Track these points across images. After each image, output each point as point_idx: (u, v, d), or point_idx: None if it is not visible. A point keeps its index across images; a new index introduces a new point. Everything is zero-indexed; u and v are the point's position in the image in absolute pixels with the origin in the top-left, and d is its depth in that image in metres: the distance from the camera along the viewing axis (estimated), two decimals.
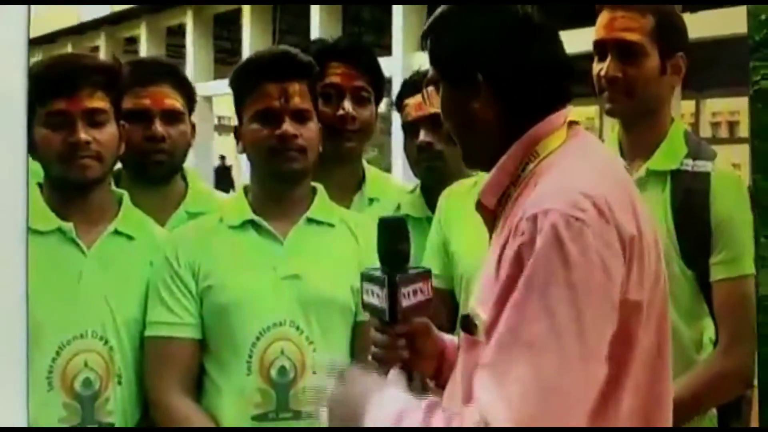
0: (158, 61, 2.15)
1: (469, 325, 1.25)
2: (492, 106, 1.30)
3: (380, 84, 2.11)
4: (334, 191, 1.87)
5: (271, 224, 1.77)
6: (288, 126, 1.73)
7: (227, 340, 1.72)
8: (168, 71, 2.03)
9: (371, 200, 2.11)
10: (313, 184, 1.83)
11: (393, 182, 2.28)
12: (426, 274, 1.38)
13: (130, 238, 1.79)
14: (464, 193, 1.95)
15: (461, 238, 1.93)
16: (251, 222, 1.78)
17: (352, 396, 1.25)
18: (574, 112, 1.37)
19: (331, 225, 1.82)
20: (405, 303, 1.34)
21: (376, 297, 1.34)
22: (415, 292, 1.36)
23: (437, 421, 1.14)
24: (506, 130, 1.30)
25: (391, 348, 1.38)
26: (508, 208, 1.29)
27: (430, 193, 2.10)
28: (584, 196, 1.17)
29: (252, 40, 10.97)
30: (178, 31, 12.81)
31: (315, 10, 9.80)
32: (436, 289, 1.72)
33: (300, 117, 1.75)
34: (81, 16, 14.22)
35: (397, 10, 9.29)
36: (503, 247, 1.21)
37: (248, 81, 1.77)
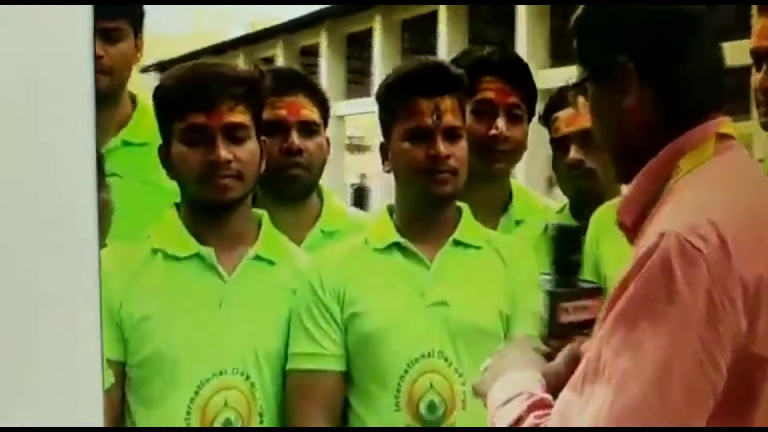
0: (293, 70, 2.07)
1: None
2: (643, 106, 1.18)
3: (534, 100, 2.01)
4: (479, 211, 1.79)
5: (417, 247, 1.69)
6: (440, 146, 1.64)
7: (374, 372, 1.64)
8: (303, 81, 1.95)
9: (518, 222, 2.01)
10: (458, 203, 1.75)
11: (540, 201, 2.16)
12: (595, 292, 1.29)
13: (271, 263, 1.70)
14: (613, 212, 1.75)
15: (614, 260, 1.75)
16: (397, 245, 1.70)
17: (499, 363, 1.25)
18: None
19: (478, 247, 1.72)
20: (563, 318, 1.27)
21: (542, 305, 1.29)
22: (578, 309, 1.28)
23: (527, 423, 1.10)
24: (655, 136, 1.18)
25: (549, 361, 1.27)
26: (645, 224, 1.16)
27: (579, 213, 1.99)
28: (709, 222, 1.04)
29: (382, 60, 11.38)
30: (312, 52, 13.44)
31: (442, 29, 10.11)
32: None
33: (452, 135, 1.67)
34: (217, 35, 14.94)
35: (521, 30, 9.44)
36: (626, 277, 1.09)
37: (398, 96, 1.69)
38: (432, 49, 10.45)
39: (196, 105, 1.61)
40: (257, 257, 1.70)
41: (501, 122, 1.93)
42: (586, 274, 1.81)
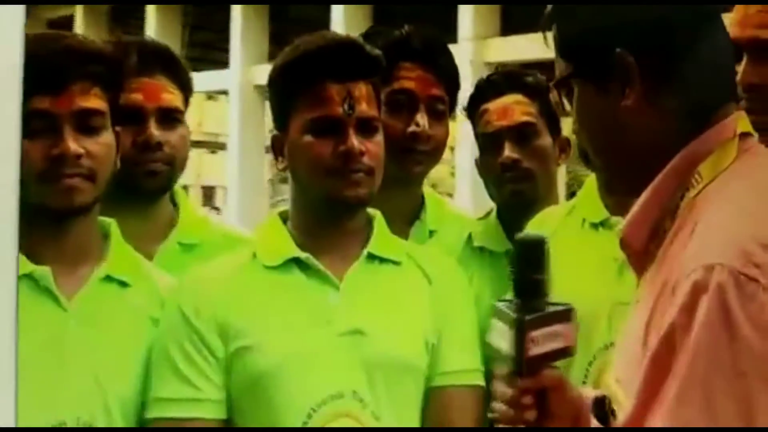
0: (149, 44, 1.86)
1: (603, 410, 1.11)
2: (647, 106, 1.10)
3: (457, 91, 1.91)
4: (388, 220, 1.69)
5: (323, 263, 1.56)
6: (353, 140, 1.52)
7: (266, 420, 1.50)
8: (161, 57, 1.77)
9: (431, 232, 1.92)
10: (368, 210, 1.64)
11: (453, 208, 2.11)
12: (567, 314, 1.19)
13: (124, 285, 1.54)
14: (558, 222, 1.81)
15: (559, 276, 1.74)
16: (296, 261, 1.56)
17: None
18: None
19: (397, 262, 1.62)
20: (534, 350, 1.16)
21: (503, 338, 1.18)
22: (549, 337, 1.17)
23: None
24: (665, 140, 1.11)
25: (515, 406, 1.18)
26: (664, 246, 1.10)
27: (509, 222, 1.93)
28: (761, 246, 0.99)
29: (158, 36, 10.60)
30: (64, 25, 12.30)
31: (236, 4, 9.53)
32: None
33: (367, 128, 1.55)
34: None
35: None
36: (654, 306, 1.04)
37: (300, 78, 1.54)
38: (222, 27, 9.82)
39: (40, 86, 1.42)
40: (107, 278, 1.53)
41: (422, 118, 1.83)
42: None
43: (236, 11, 9.51)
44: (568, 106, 1.22)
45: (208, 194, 19.69)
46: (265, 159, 9.81)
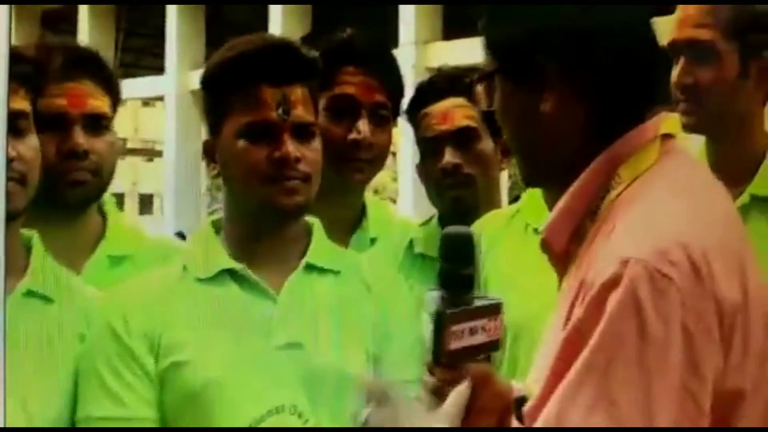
0: (75, 47, 1.79)
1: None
2: (566, 108, 1.14)
3: (401, 98, 1.87)
4: (327, 228, 1.64)
5: (258, 274, 1.51)
6: (289, 146, 1.47)
7: None
8: (88, 61, 1.71)
9: (373, 240, 1.88)
10: (306, 218, 1.59)
11: (395, 214, 2.11)
12: (495, 309, 1.20)
13: (47, 300, 1.49)
14: (502, 226, 1.81)
15: (502, 282, 1.73)
16: (230, 272, 1.50)
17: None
18: None
19: (337, 272, 1.57)
20: (453, 345, 1.17)
21: (427, 330, 1.19)
22: (472, 331, 1.19)
23: None
24: (583, 141, 1.14)
25: (439, 396, 1.19)
26: (584, 247, 1.13)
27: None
28: (677, 244, 1.02)
29: (91, 42, 10.38)
30: None
31: (172, 8, 9.37)
32: None
33: (303, 133, 1.50)
34: None
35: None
36: (571, 309, 1.07)
37: (233, 81, 1.49)
38: (158, 31, 9.63)
39: None
40: (29, 293, 1.48)
41: (364, 125, 1.78)
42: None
43: (171, 15, 9.37)
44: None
45: (145, 202, 19.47)
46: (202, 166, 9.68)
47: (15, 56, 1.38)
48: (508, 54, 1.18)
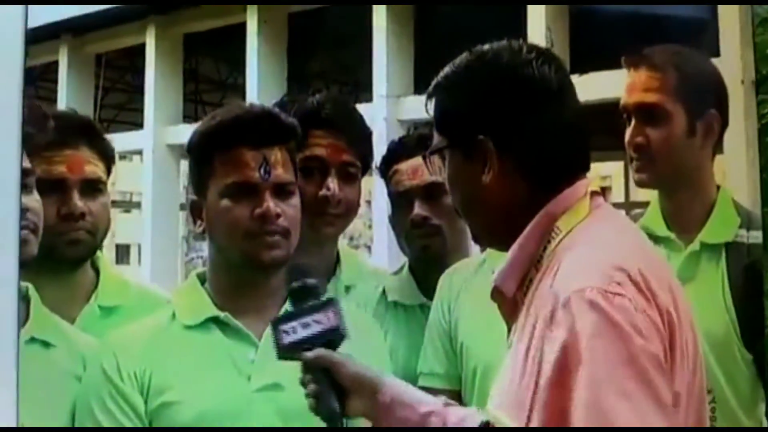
0: (76, 116, 1.95)
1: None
2: (505, 178, 1.28)
3: (369, 156, 2.01)
4: None
5: (241, 321, 1.60)
6: (270, 203, 1.57)
7: None
8: (86, 129, 1.85)
9: (347, 288, 1.98)
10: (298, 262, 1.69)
11: (367, 263, 2.20)
12: (324, 305, 1.46)
13: (47, 345, 1.58)
14: (471, 273, 1.89)
15: (472, 325, 1.82)
16: (215, 319, 1.59)
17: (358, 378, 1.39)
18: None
19: None
20: (285, 339, 1.44)
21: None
22: (304, 326, 1.42)
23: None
24: (522, 205, 1.28)
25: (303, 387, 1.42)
26: (530, 293, 1.26)
27: (421, 275, 2.01)
28: (618, 269, 1.16)
29: (70, 98, 10.37)
30: None
31: (150, 65, 9.45)
32: (439, 391, 1.71)
33: (282, 192, 1.62)
34: None
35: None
36: (530, 341, 1.18)
37: (217, 145, 1.60)
38: (136, 88, 9.64)
39: None
40: (31, 339, 1.55)
41: (332, 183, 1.92)
42: (438, 344, 1.84)
43: (149, 72, 9.42)
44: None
45: (122, 252, 19.32)
46: (179, 216, 9.72)
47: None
48: (453, 132, 1.32)
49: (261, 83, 8.37)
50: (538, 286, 1.24)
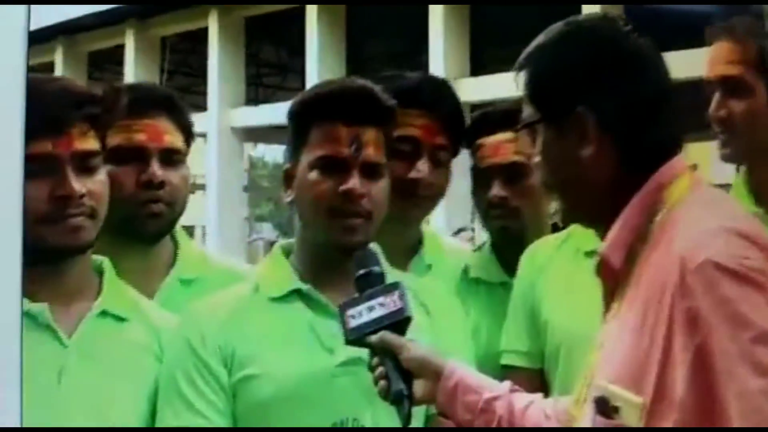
0: (152, 88, 1.88)
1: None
2: (602, 153, 1.23)
3: (461, 140, 1.90)
4: (388, 254, 1.65)
5: (324, 294, 1.54)
6: (356, 181, 1.50)
7: None
8: (166, 100, 1.78)
9: (429, 266, 1.90)
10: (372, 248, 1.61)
11: (448, 243, 2.10)
12: (389, 288, 1.43)
13: (120, 319, 1.53)
14: (553, 250, 1.82)
15: (556, 303, 1.76)
16: (298, 292, 1.54)
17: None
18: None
19: None
20: (352, 323, 1.41)
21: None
22: (370, 309, 1.41)
23: None
24: (619, 180, 1.24)
25: (372, 372, 1.41)
26: (638, 267, 1.21)
27: (502, 253, 1.93)
28: (740, 235, 1.14)
29: (136, 81, 10.51)
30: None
31: (213, 49, 9.55)
32: (521, 369, 1.69)
33: (371, 172, 1.53)
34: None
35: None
36: (645, 312, 1.15)
37: (314, 116, 1.54)
38: (200, 70, 9.79)
39: (40, 130, 1.40)
40: (103, 313, 1.51)
41: (424, 165, 1.83)
42: (521, 322, 1.81)
43: (213, 56, 9.52)
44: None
45: (188, 233, 19.67)
46: (243, 198, 9.83)
47: (85, 98, 1.48)
48: (550, 105, 1.25)
49: (321, 66, 8.41)
50: (649, 257, 1.19)
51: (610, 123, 1.22)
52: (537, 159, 1.30)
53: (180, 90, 12.90)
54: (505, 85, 1.66)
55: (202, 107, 10.03)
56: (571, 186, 1.27)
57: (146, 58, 10.81)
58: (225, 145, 9.53)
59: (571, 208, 1.31)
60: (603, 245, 1.25)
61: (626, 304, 1.21)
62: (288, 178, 1.58)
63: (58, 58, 11.60)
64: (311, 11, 8.25)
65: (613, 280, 1.25)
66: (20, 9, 0.83)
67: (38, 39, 11.60)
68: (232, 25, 9.43)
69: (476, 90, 7.02)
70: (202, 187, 10.53)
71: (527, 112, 1.29)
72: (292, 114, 1.59)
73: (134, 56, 10.76)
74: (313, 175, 1.52)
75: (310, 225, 1.56)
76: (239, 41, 9.58)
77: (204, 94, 10.14)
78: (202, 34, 9.86)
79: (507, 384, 1.41)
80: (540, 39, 1.30)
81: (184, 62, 11.45)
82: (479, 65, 7.77)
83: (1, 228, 0.86)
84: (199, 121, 8.63)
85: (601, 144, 1.22)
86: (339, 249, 1.53)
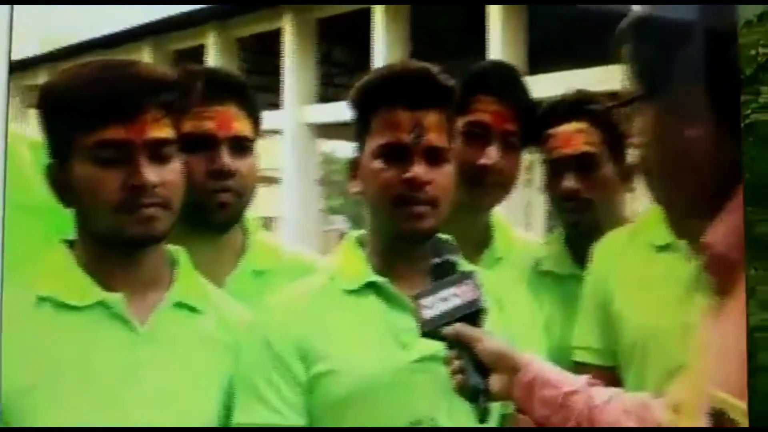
0: (223, 73, 1.77)
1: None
2: (711, 130, 1.12)
3: (531, 126, 1.84)
4: (458, 246, 1.58)
5: (399, 287, 1.48)
6: (419, 168, 1.44)
7: None
8: (236, 86, 1.70)
9: (499, 258, 1.85)
10: (440, 236, 1.53)
11: (518, 234, 2.02)
12: (462, 277, 1.36)
13: (194, 310, 1.47)
14: (626, 242, 1.72)
15: (630, 298, 1.66)
16: (373, 285, 1.48)
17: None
18: None
19: None
20: (426, 314, 1.34)
21: None
22: (444, 300, 1.34)
23: None
24: (730, 163, 1.13)
25: (447, 365, 1.33)
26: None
27: (575, 245, 1.86)
28: None
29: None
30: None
31: (287, 49, 9.84)
32: (593, 367, 1.61)
33: (434, 157, 1.46)
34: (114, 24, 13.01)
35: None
36: None
37: (374, 103, 1.48)
38: (274, 70, 10.11)
39: (114, 114, 1.35)
40: (178, 304, 1.46)
41: (493, 151, 1.77)
42: (592, 317, 1.73)
43: (288, 56, 9.81)
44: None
45: (265, 224, 20.25)
46: (316, 191, 10.14)
47: (160, 83, 1.40)
48: (655, 80, 1.14)
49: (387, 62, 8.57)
50: None
51: (719, 101, 1.11)
52: (637, 139, 1.19)
53: (256, 88, 13.18)
54: (561, 84, 1.69)
55: (277, 105, 10.37)
56: (676, 168, 1.16)
57: (225, 58, 11.15)
58: (299, 141, 9.79)
59: (671, 193, 1.19)
60: (711, 237, 1.12)
61: (734, 302, 1.09)
62: (354, 168, 1.52)
63: (210, 41, 11.54)
64: (377, 12, 8.47)
65: (727, 274, 1.12)
66: (3, 9, 0.78)
67: (127, 39, 11.99)
68: (304, 26, 9.70)
69: (536, 88, 7.13)
70: (278, 180, 10.89)
71: (629, 87, 1.19)
72: (353, 102, 1.53)
73: (214, 56, 11.14)
74: (377, 163, 1.46)
75: (377, 215, 1.50)
76: (311, 41, 9.86)
77: (279, 92, 10.46)
78: (276, 35, 10.20)
79: (585, 378, 1.32)
80: (644, 8, 1.20)
81: (261, 62, 11.75)
82: (537, 65, 7.88)
83: None
84: (274, 118, 9.00)
85: (709, 123, 1.12)
86: (407, 237, 1.47)
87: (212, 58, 11.24)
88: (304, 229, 9.86)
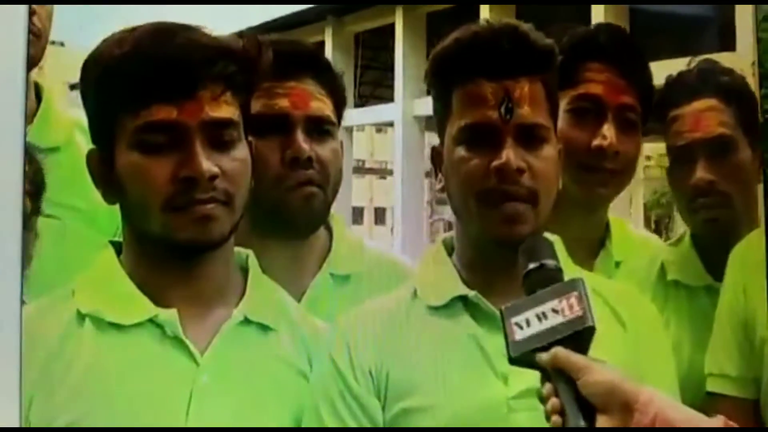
0: (297, 44, 1.47)
1: None
2: None
3: (651, 102, 1.50)
4: (567, 250, 1.28)
5: (492, 302, 1.17)
6: (510, 153, 1.12)
7: None
8: (312, 59, 1.41)
9: (618, 263, 1.53)
10: (545, 235, 1.20)
11: (636, 232, 1.68)
12: (564, 289, 1.02)
13: (265, 329, 1.19)
14: None
15: None
16: (462, 299, 1.18)
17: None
18: None
19: None
20: (518, 335, 1.02)
21: None
22: (540, 317, 1.02)
23: None
24: None
25: (542, 402, 1.01)
26: None
27: (706, 249, 1.52)
28: None
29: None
30: None
31: (398, 43, 9.93)
32: (731, 399, 1.26)
33: (530, 137, 1.14)
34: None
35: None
36: None
37: (453, 75, 1.16)
38: (387, 64, 10.19)
39: (163, 91, 1.07)
40: (246, 321, 1.17)
41: (609, 130, 1.43)
42: (730, 338, 1.39)
43: (398, 49, 9.87)
44: None
45: (380, 215, 20.48)
46: (425, 182, 10.20)
47: (219, 53, 1.09)
48: None
49: None
50: None
51: None
52: None
53: (372, 83, 13.40)
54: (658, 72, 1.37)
55: (391, 99, 10.48)
56: None
57: (342, 53, 11.30)
58: (408, 133, 9.85)
59: None
60: None
61: None
62: (437, 160, 1.22)
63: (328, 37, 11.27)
64: (484, 10, 8.42)
65: None
66: (21, 9, 0.76)
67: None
68: (415, 21, 9.73)
69: None
70: (391, 172, 10.97)
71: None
72: (430, 76, 1.21)
73: (332, 52, 11.31)
74: (459, 151, 1.15)
75: (462, 215, 1.19)
76: (421, 36, 9.86)
77: (392, 86, 10.53)
78: (390, 30, 10.27)
79: (720, 420, 1.01)
80: None
81: (376, 57, 11.89)
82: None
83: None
84: (387, 111, 9.16)
85: None
86: (500, 243, 1.15)
87: (329, 55, 11.42)
88: (414, 219, 9.92)
